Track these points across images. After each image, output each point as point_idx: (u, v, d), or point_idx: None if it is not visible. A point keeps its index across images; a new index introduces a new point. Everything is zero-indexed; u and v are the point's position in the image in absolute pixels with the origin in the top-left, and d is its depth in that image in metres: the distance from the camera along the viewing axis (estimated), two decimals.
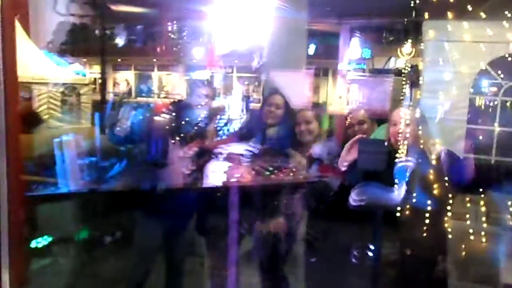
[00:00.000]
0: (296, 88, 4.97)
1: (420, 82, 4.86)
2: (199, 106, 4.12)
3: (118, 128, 2.26)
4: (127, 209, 3.15)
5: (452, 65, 4.58)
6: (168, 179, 2.30)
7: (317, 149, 3.47)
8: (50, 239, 3.74)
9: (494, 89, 5.24)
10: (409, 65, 6.16)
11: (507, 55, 4.65)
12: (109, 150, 2.29)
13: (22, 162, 2.36)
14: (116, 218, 3.25)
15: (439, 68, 4.63)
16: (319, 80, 20.34)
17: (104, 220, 3.31)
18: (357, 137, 3.14)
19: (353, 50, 9.47)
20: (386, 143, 3.47)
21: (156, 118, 2.24)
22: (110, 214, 3.20)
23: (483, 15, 4.21)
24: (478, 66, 4.69)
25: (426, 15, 4.36)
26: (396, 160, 3.47)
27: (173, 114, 2.29)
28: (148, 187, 2.22)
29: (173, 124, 2.33)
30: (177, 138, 2.44)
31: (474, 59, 4.65)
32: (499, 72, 4.78)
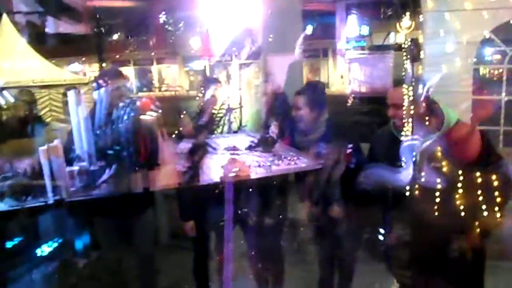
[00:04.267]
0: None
1: (421, 56, 4.71)
2: (196, 99, 4.03)
3: (104, 129, 2.17)
4: (124, 213, 3.12)
5: (454, 35, 4.40)
6: (161, 179, 2.20)
7: None
8: (55, 245, 3.71)
9: (499, 57, 5.07)
10: (409, 39, 5.98)
11: (511, 21, 4.46)
12: (98, 153, 2.19)
13: None
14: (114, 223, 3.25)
15: (440, 40, 4.46)
16: (319, 61, 20.13)
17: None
18: None
19: (350, 27, 9.26)
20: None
21: (143, 117, 2.13)
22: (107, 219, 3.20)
23: None
24: (481, 35, 4.50)
25: None
26: (402, 139, 3.36)
27: (160, 111, 2.18)
28: (141, 190, 2.13)
29: (162, 121, 2.23)
30: (168, 135, 2.35)
31: (476, 27, 4.46)
32: (503, 39, 4.60)
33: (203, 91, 3.75)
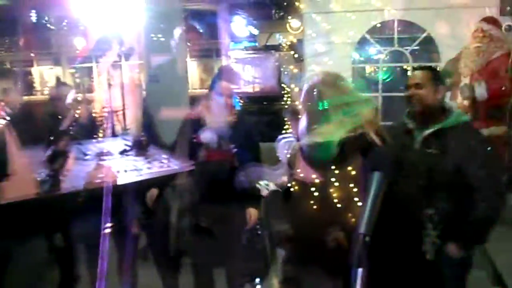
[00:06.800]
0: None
1: (299, 56, 4.89)
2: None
3: None
4: None
5: (326, 36, 4.62)
6: (14, 190, 2.02)
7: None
8: None
9: (376, 56, 5.38)
10: (292, 40, 6.19)
11: (380, 23, 4.76)
12: None
13: None
14: None
15: (314, 41, 4.66)
16: (212, 61, 20.09)
17: None
18: None
19: (237, 28, 9.35)
20: None
21: None
22: None
23: None
24: (355, 36, 4.77)
25: None
26: (279, 137, 3.44)
27: (10, 118, 2.00)
28: None
29: (16, 128, 2.06)
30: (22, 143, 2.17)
31: (349, 29, 4.71)
32: (378, 39, 4.90)
33: (56, 96, 3.61)
